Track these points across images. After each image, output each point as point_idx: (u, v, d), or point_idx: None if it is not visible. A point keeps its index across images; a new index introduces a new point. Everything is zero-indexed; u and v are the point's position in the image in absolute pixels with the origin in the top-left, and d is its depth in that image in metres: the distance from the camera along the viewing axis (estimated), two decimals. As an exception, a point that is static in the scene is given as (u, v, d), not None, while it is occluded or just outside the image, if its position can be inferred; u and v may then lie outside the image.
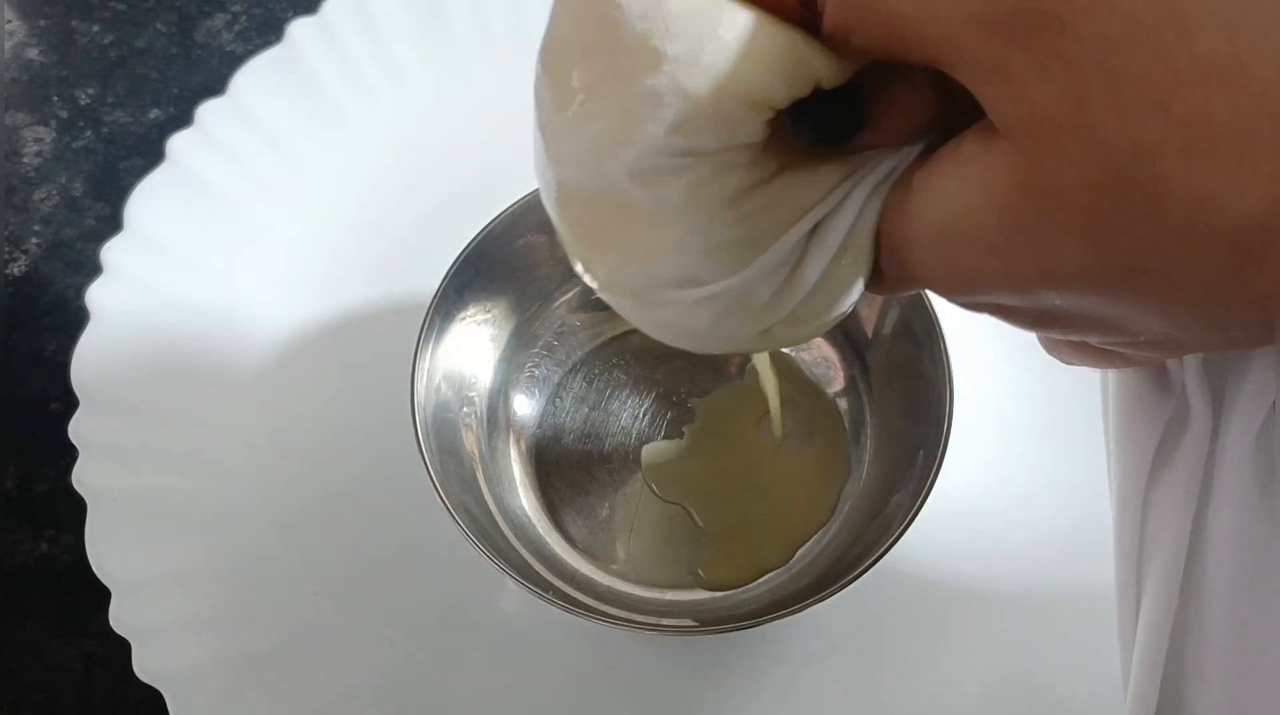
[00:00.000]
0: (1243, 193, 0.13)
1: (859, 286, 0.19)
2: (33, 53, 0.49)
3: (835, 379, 0.38)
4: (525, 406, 0.38)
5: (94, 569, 0.35)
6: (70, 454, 0.37)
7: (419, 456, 0.32)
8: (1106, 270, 0.15)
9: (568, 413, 0.38)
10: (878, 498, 0.34)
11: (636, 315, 0.20)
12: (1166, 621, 0.21)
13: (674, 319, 0.19)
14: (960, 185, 0.16)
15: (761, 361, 0.34)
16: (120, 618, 0.34)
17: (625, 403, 0.38)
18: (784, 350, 0.38)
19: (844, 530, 0.35)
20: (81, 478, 0.36)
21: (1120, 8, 0.13)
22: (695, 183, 0.17)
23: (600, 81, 0.17)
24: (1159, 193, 0.14)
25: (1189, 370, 0.21)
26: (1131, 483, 0.23)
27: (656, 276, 0.18)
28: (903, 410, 0.35)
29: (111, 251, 0.40)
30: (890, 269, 0.18)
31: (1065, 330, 0.17)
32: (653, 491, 0.37)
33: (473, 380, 0.37)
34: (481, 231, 0.34)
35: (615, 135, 0.17)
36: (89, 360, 0.38)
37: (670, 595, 0.35)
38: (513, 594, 0.36)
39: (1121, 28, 0.13)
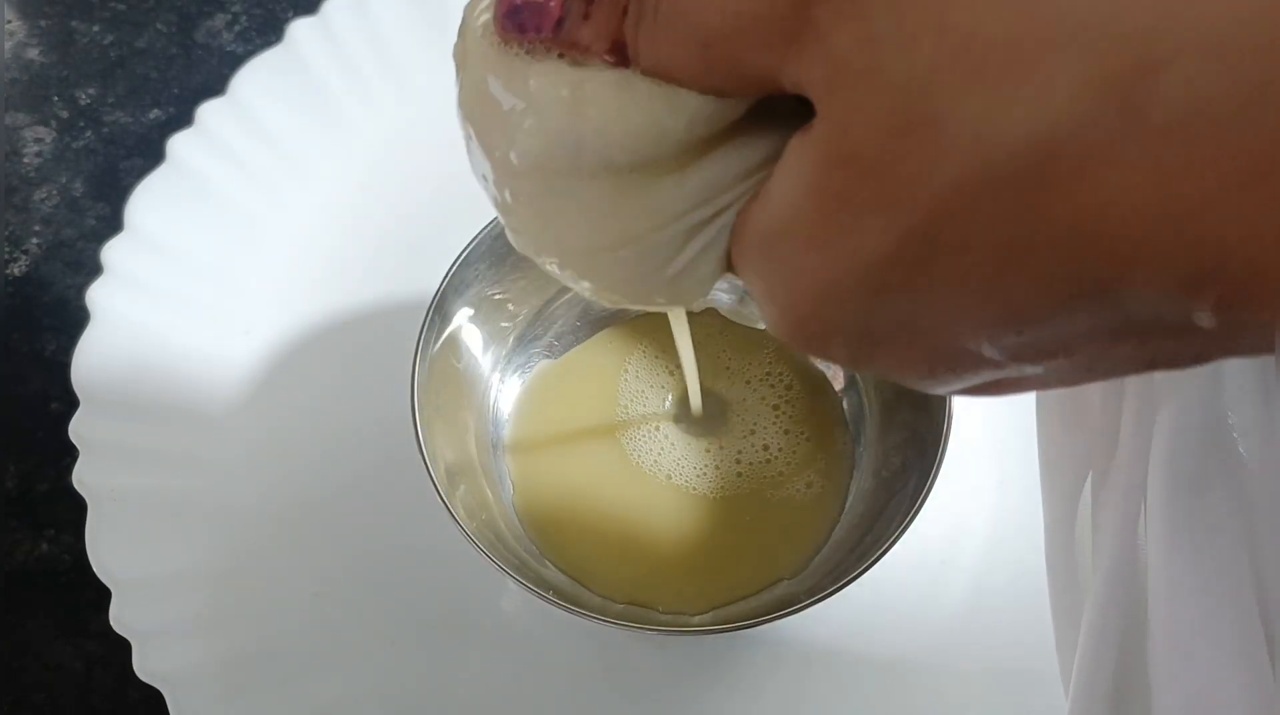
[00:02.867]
0: (1011, 117, 0.11)
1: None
2: (33, 53, 0.49)
3: (836, 377, 0.38)
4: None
5: (94, 569, 0.35)
6: (70, 454, 0.37)
7: (419, 456, 0.32)
8: (903, 252, 0.13)
9: (568, 412, 0.38)
10: (879, 497, 0.34)
11: (559, 275, 0.20)
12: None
13: (586, 274, 0.19)
14: (782, 180, 0.15)
15: (679, 325, 0.32)
16: (120, 618, 0.34)
17: (625, 402, 0.38)
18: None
19: (846, 530, 0.35)
20: (81, 478, 0.36)
21: None
22: (589, 187, 0.17)
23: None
24: (939, 131, 0.12)
25: (1108, 402, 0.20)
26: (1062, 526, 0.22)
27: (568, 247, 0.19)
28: (903, 408, 0.35)
29: (111, 251, 0.40)
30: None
31: (886, 362, 0.15)
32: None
33: (473, 380, 0.37)
34: (482, 231, 0.34)
35: (507, 159, 0.17)
36: (89, 360, 0.38)
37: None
38: (513, 594, 0.36)
39: None
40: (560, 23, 0.16)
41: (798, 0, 0.13)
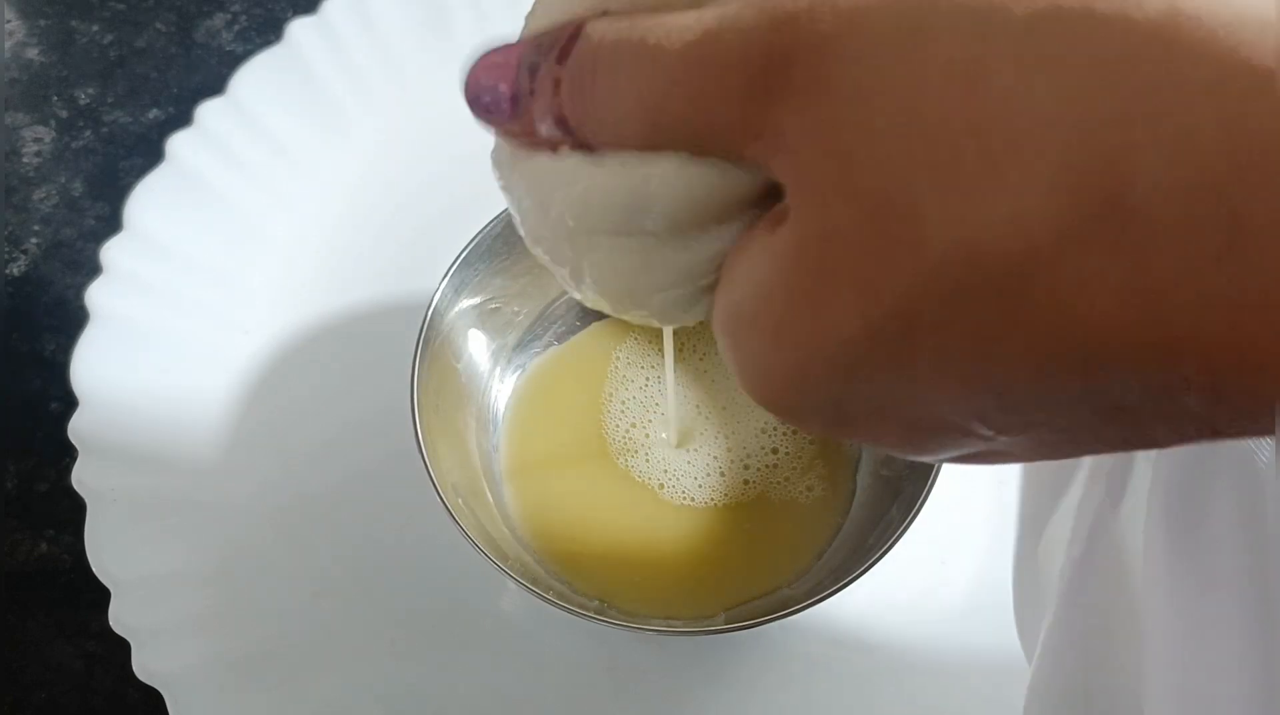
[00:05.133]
0: (992, 214, 0.12)
1: None
2: (33, 53, 0.48)
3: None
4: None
5: (94, 569, 0.35)
6: (70, 454, 0.37)
7: (418, 457, 0.32)
8: (880, 334, 0.13)
9: (568, 412, 0.38)
10: (882, 499, 0.34)
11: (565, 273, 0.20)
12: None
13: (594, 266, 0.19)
14: (749, 266, 0.15)
15: (668, 344, 0.33)
16: (120, 618, 0.34)
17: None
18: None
19: (849, 532, 0.35)
20: (81, 478, 0.36)
21: (863, 31, 0.13)
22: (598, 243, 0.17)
23: None
24: (915, 229, 0.12)
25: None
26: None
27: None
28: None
29: (111, 251, 0.40)
30: None
31: (865, 433, 0.16)
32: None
33: (472, 380, 0.36)
34: (481, 231, 0.34)
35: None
36: (89, 360, 0.38)
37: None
38: (513, 594, 0.36)
39: (867, 52, 0.12)
40: (515, 99, 0.16)
41: (757, 100, 0.13)
